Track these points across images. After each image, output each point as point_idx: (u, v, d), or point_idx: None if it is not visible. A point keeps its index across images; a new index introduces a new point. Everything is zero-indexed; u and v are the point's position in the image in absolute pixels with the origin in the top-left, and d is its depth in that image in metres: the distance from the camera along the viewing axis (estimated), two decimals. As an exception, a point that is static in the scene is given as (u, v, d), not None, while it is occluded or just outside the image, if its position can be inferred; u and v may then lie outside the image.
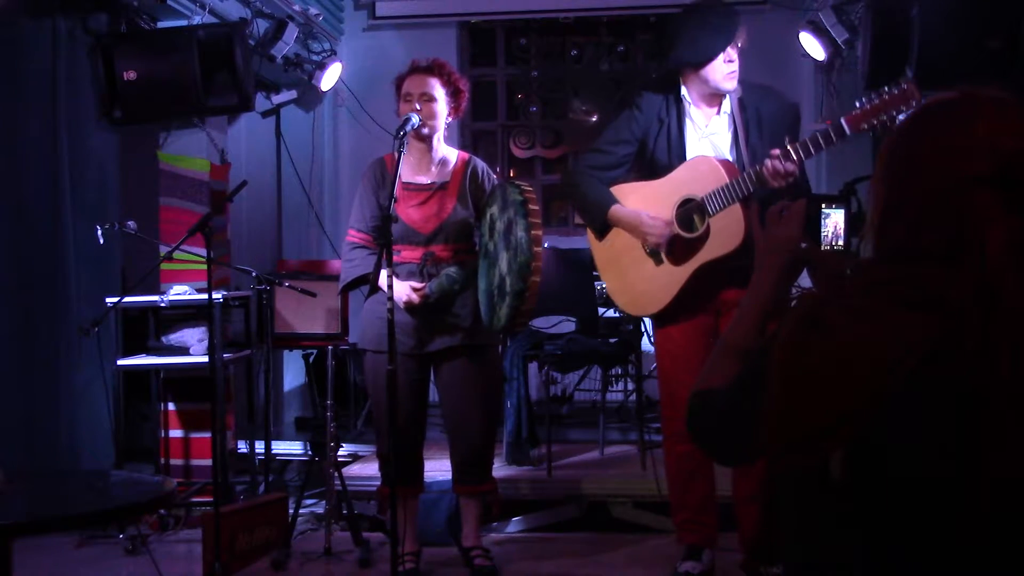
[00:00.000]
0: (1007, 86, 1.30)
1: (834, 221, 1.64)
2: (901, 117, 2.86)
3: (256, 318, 4.88)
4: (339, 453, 4.25)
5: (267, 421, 4.79)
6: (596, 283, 4.96)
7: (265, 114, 6.29)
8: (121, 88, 4.67)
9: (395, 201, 3.29)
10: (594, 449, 5.11)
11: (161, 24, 5.01)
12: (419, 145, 3.67)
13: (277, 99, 6.28)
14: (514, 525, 4.48)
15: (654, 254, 3.45)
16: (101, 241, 4.25)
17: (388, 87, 3.73)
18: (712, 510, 3.57)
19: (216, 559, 3.64)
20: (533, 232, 3.28)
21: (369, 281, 3.36)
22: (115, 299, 4.19)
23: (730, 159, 3.42)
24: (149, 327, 4.69)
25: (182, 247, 3.92)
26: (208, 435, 4.75)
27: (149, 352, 4.65)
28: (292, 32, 5.46)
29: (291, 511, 4.16)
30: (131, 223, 4.24)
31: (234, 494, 4.62)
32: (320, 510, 4.46)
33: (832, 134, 3.07)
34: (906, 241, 1.27)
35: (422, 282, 3.61)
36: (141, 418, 4.93)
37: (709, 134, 3.46)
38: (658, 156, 3.46)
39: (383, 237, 3.22)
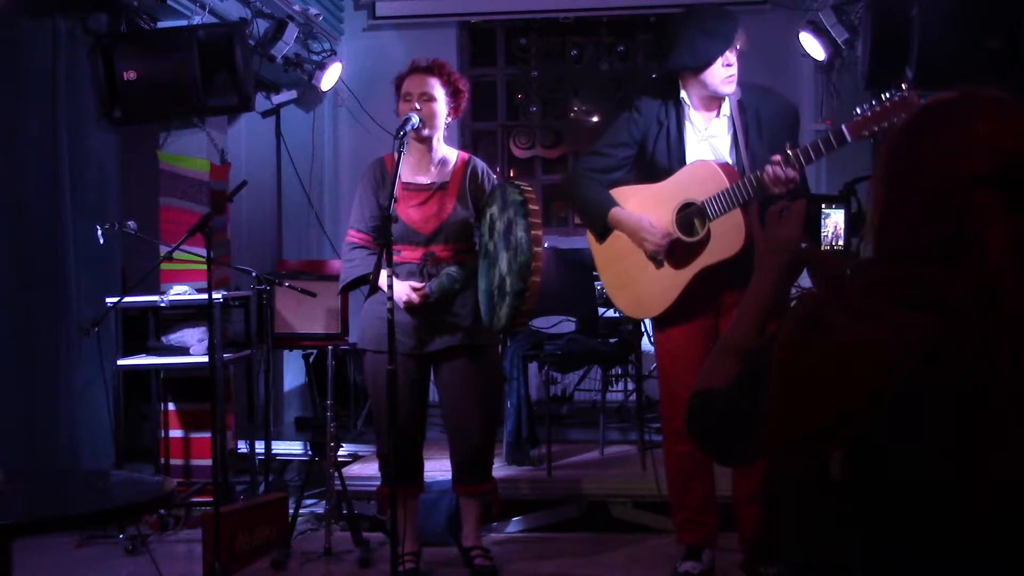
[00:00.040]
0: (1007, 86, 1.30)
1: (834, 221, 1.64)
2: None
3: (256, 318, 4.88)
4: (339, 453, 4.25)
5: (267, 421, 4.79)
6: (596, 283, 4.96)
7: (265, 114, 6.29)
8: (121, 88, 4.67)
9: (395, 201, 3.29)
10: (594, 449, 5.11)
11: (161, 24, 5.01)
12: (419, 145, 3.67)
13: (277, 99, 6.28)
14: (514, 525, 4.48)
15: (654, 258, 3.46)
16: (101, 241, 4.25)
17: (388, 87, 3.73)
18: (712, 510, 3.57)
19: (216, 559, 3.64)
20: (533, 232, 3.28)
21: (369, 281, 3.36)
22: (115, 299, 4.19)
23: (730, 162, 3.42)
24: (149, 327, 4.69)
25: (182, 247, 3.92)
26: (208, 435, 4.75)
27: (149, 352, 4.65)
28: (292, 32, 5.46)
29: (291, 511, 4.16)
30: (131, 223, 4.24)
31: (234, 494, 4.62)
32: (320, 510, 4.46)
33: (833, 140, 3.07)
34: (906, 241, 1.27)
35: (422, 282, 3.61)
36: (141, 418, 4.93)
37: (708, 137, 3.45)
38: (658, 159, 3.46)
39: (383, 237, 3.22)
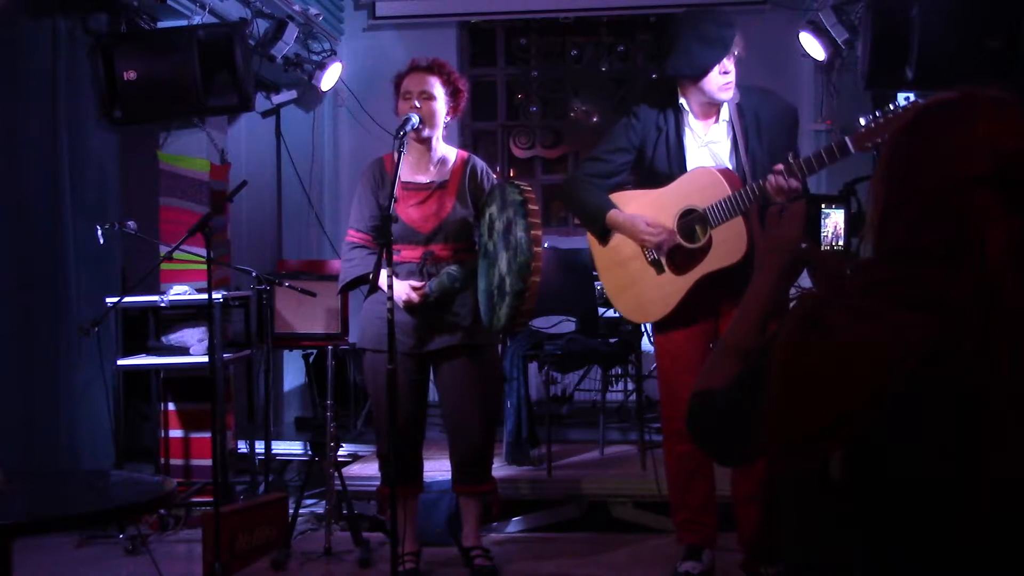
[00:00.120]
0: (1007, 86, 1.30)
1: (834, 221, 1.64)
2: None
3: (256, 318, 4.88)
4: (339, 453, 4.25)
5: (267, 421, 4.79)
6: (596, 283, 4.96)
7: (265, 114, 6.29)
8: (121, 88, 4.67)
9: (395, 201, 3.29)
10: (594, 449, 5.11)
11: (161, 24, 5.01)
12: (418, 144, 3.67)
13: (277, 99, 6.28)
14: (514, 525, 4.48)
15: (656, 263, 3.46)
16: (101, 241, 4.25)
17: (388, 87, 3.73)
18: (712, 510, 3.57)
19: (216, 559, 3.64)
20: (533, 232, 3.28)
21: (368, 281, 3.36)
22: (115, 299, 4.19)
23: (730, 167, 3.42)
24: (149, 327, 4.69)
25: (182, 247, 3.92)
26: (208, 435, 4.75)
27: (149, 352, 4.65)
28: (292, 32, 5.46)
29: (291, 511, 4.16)
30: (131, 223, 4.24)
31: (234, 494, 4.62)
32: (320, 510, 4.46)
33: (836, 151, 3.08)
34: (906, 241, 1.27)
35: (421, 281, 3.61)
36: (141, 418, 4.93)
37: (708, 142, 3.46)
38: (657, 164, 3.46)
39: (383, 237, 3.21)
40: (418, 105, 3.57)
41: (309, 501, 4.67)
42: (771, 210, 1.60)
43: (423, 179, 3.69)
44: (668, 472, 3.64)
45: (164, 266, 4.64)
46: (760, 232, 1.62)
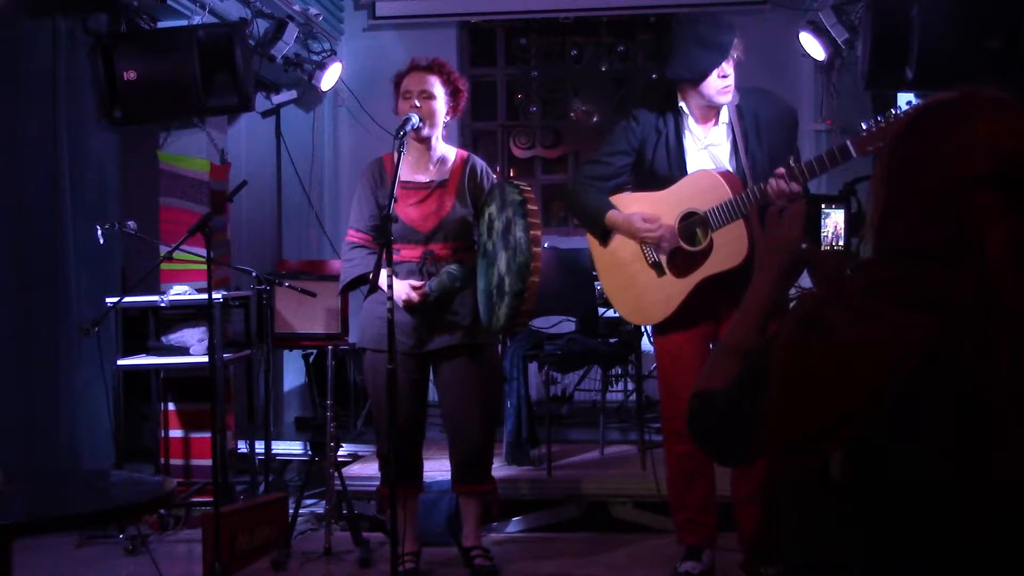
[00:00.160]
0: (1007, 86, 1.30)
1: (834, 221, 1.64)
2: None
3: (256, 318, 4.88)
4: (339, 453, 4.25)
5: (267, 421, 4.79)
6: (596, 283, 4.96)
7: (265, 114, 6.29)
8: (121, 88, 4.67)
9: (395, 201, 3.29)
10: (594, 449, 5.11)
11: (161, 24, 5.01)
12: (418, 144, 3.67)
13: (277, 99, 6.28)
14: (514, 525, 4.48)
15: (656, 265, 3.46)
16: (101, 241, 4.25)
17: (388, 87, 3.73)
18: (712, 510, 3.57)
19: (216, 559, 3.64)
20: (532, 232, 3.27)
21: (369, 281, 3.36)
22: (115, 299, 4.19)
23: (730, 169, 3.42)
24: (149, 327, 4.68)
25: (182, 247, 3.92)
26: (208, 435, 4.75)
27: (149, 352, 4.65)
28: (292, 32, 5.46)
29: (291, 511, 4.16)
30: (131, 223, 4.24)
31: (234, 494, 4.62)
32: (320, 510, 4.46)
33: (838, 155, 3.08)
34: (906, 241, 1.27)
35: (421, 281, 3.61)
36: (141, 418, 4.93)
37: (708, 145, 3.46)
38: (657, 167, 3.47)
39: (383, 237, 3.21)
40: (418, 105, 3.57)
41: (309, 501, 4.67)
42: (771, 210, 1.60)
43: (422, 178, 3.69)
44: (668, 472, 3.64)
45: (164, 266, 4.64)
46: (760, 232, 1.62)
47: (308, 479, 4.52)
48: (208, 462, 4.66)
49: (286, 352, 6.07)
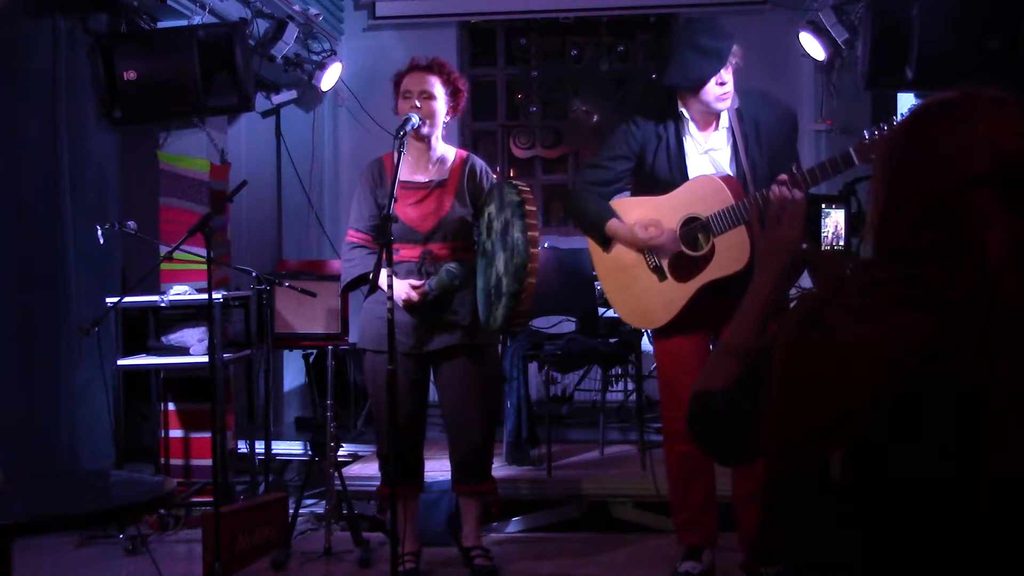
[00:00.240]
0: (1007, 86, 1.30)
1: (834, 221, 1.64)
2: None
3: (256, 318, 4.88)
4: (339, 453, 4.25)
5: (267, 421, 4.79)
6: (596, 283, 4.96)
7: (265, 114, 6.29)
8: (121, 88, 4.67)
9: (394, 201, 3.29)
10: (594, 449, 5.11)
11: (161, 24, 5.01)
12: (417, 143, 3.67)
13: (277, 99, 6.28)
14: (514, 525, 4.48)
15: (658, 270, 3.46)
16: (101, 241, 4.25)
17: (388, 87, 3.73)
18: (712, 510, 3.57)
19: (216, 559, 3.64)
20: (530, 233, 3.27)
21: (369, 281, 3.36)
22: (115, 299, 4.19)
23: (731, 173, 3.42)
24: (149, 327, 4.68)
25: (182, 247, 3.92)
26: (208, 435, 4.75)
27: (149, 352, 4.65)
28: (292, 32, 5.46)
29: (291, 511, 4.16)
30: (131, 223, 4.24)
31: (234, 494, 4.62)
32: (320, 510, 4.46)
33: (841, 163, 3.09)
34: (906, 241, 1.27)
35: (420, 280, 3.61)
36: (141, 418, 4.93)
37: (709, 149, 3.46)
38: (658, 171, 3.46)
39: (383, 237, 3.22)
40: (418, 104, 3.57)
41: (309, 501, 4.67)
42: (771, 211, 1.60)
43: (422, 178, 3.69)
44: (668, 472, 3.64)
45: (164, 266, 4.64)
46: (760, 233, 1.62)
47: (308, 479, 4.52)
48: (208, 462, 4.66)
49: (286, 352, 6.07)
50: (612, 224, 3.49)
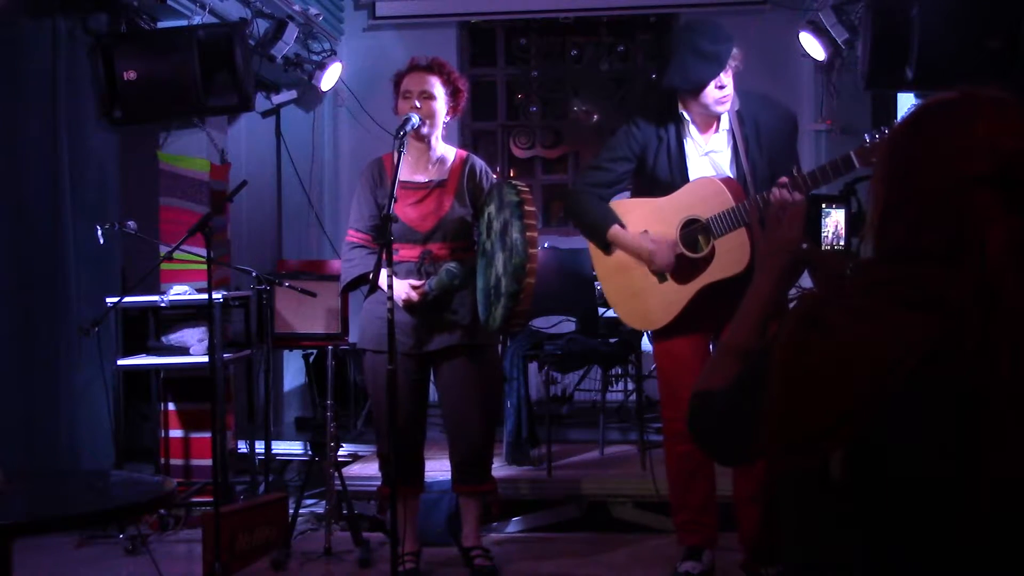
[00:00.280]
0: (1007, 86, 1.30)
1: (835, 220, 1.64)
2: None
3: (256, 318, 4.88)
4: (339, 453, 4.25)
5: (267, 421, 4.79)
6: (596, 283, 4.96)
7: (265, 114, 6.29)
8: (121, 88, 4.67)
9: (394, 201, 3.29)
10: (594, 449, 5.11)
11: (161, 24, 5.01)
12: (417, 143, 3.67)
13: (277, 99, 6.28)
14: (514, 525, 4.48)
15: (658, 272, 3.46)
16: (101, 241, 4.25)
17: (388, 87, 3.73)
18: (712, 510, 3.57)
19: (216, 559, 3.64)
20: (528, 234, 3.27)
21: (369, 281, 3.36)
22: (115, 299, 4.19)
23: (731, 176, 3.42)
24: (149, 327, 4.68)
25: (182, 247, 3.92)
26: (208, 435, 4.75)
27: (149, 352, 4.65)
28: (292, 32, 5.46)
29: (291, 511, 4.16)
30: (131, 223, 4.24)
31: (234, 494, 4.62)
32: (320, 510, 4.46)
33: (841, 166, 3.09)
34: (906, 241, 1.27)
35: (420, 280, 3.61)
36: (141, 418, 4.93)
37: (709, 151, 3.45)
38: (659, 173, 3.46)
39: (383, 237, 3.22)
40: (418, 105, 3.57)
41: (309, 501, 4.67)
42: (771, 210, 1.60)
43: (421, 178, 3.69)
44: (668, 472, 3.64)
45: (164, 266, 4.64)
46: (761, 233, 1.62)
47: (308, 479, 4.52)
48: (208, 462, 4.66)
49: (286, 352, 6.07)
50: (615, 233, 3.49)
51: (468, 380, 3.68)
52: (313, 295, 4.18)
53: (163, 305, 4.51)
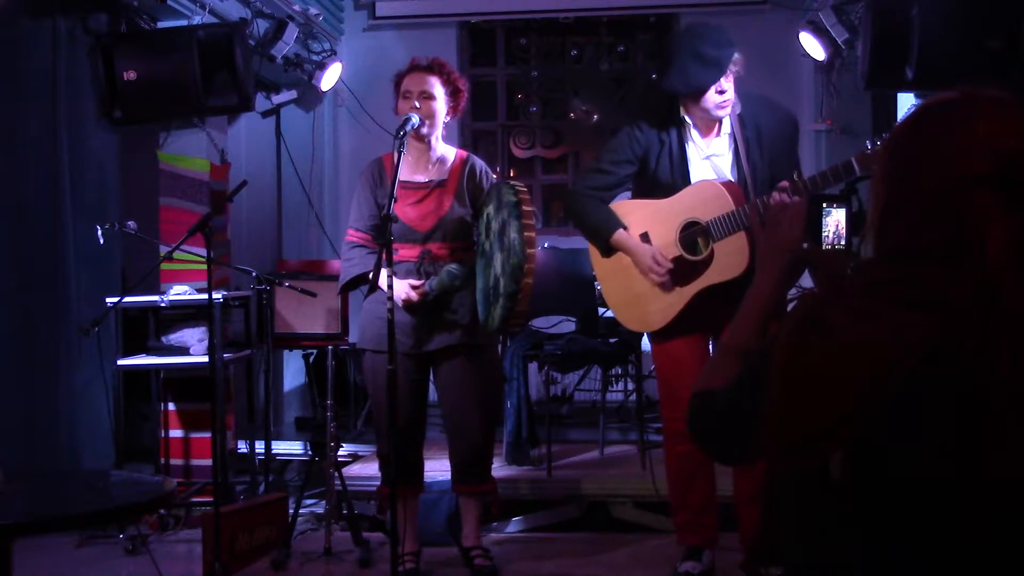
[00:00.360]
0: (1007, 86, 1.30)
1: (836, 220, 1.64)
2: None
3: (256, 318, 4.87)
4: (339, 453, 4.25)
5: (267, 421, 4.79)
6: (596, 283, 4.96)
7: (265, 114, 6.29)
8: (121, 88, 4.67)
9: (394, 201, 3.29)
10: (594, 449, 5.11)
11: (161, 24, 5.01)
12: (417, 143, 3.67)
13: (277, 99, 6.28)
14: (514, 525, 4.48)
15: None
16: (101, 241, 4.25)
17: (388, 87, 3.73)
18: (712, 511, 3.57)
19: (216, 559, 3.64)
20: (526, 234, 3.27)
21: (368, 280, 3.36)
22: (115, 299, 4.19)
23: (732, 179, 3.42)
24: (149, 327, 4.68)
25: (182, 247, 3.92)
26: (208, 435, 4.75)
27: (149, 352, 4.65)
28: (292, 32, 5.46)
29: (291, 511, 4.16)
30: (131, 223, 4.24)
31: (234, 494, 4.62)
32: (320, 510, 4.46)
33: (842, 171, 3.09)
34: (906, 241, 1.27)
35: (419, 280, 3.61)
36: (141, 418, 4.93)
37: (711, 154, 3.46)
38: (660, 176, 3.46)
39: (383, 237, 3.22)
40: (418, 105, 3.57)
41: (309, 501, 4.67)
42: (772, 210, 1.60)
43: (421, 178, 3.69)
44: (668, 472, 3.64)
45: (164, 266, 4.64)
46: (761, 232, 1.62)
47: (308, 479, 4.52)
48: (208, 462, 4.66)
49: (286, 352, 6.07)
50: (618, 237, 3.48)
51: (468, 380, 3.68)
52: (313, 295, 4.18)
53: (163, 305, 4.51)
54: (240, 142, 5.89)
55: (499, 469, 4.35)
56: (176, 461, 4.88)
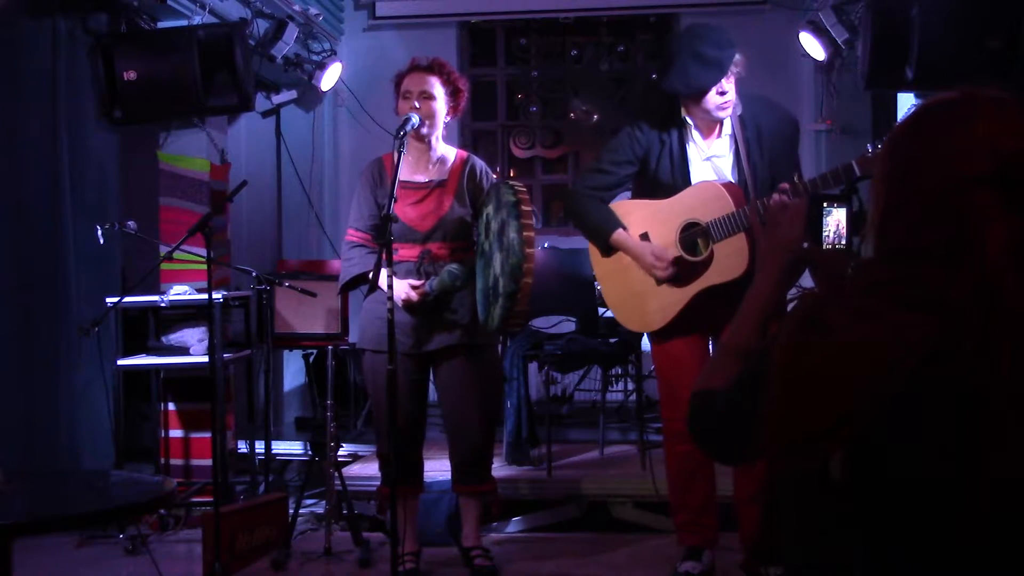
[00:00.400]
0: (1007, 86, 1.30)
1: (836, 220, 1.64)
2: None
3: (256, 318, 4.87)
4: (339, 453, 4.25)
5: (267, 421, 4.79)
6: (596, 283, 4.96)
7: (265, 114, 6.29)
8: (121, 88, 4.67)
9: (394, 201, 3.29)
10: (594, 449, 5.11)
11: (161, 24, 5.01)
12: (417, 144, 3.67)
13: (277, 99, 6.28)
14: (514, 525, 4.48)
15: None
16: (101, 241, 4.25)
17: (388, 87, 3.73)
18: (713, 511, 3.57)
19: (216, 559, 3.64)
20: (525, 234, 3.27)
21: (368, 280, 3.36)
22: (115, 299, 4.19)
23: (732, 180, 3.42)
24: (149, 327, 4.68)
25: (182, 247, 3.92)
26: (208, 435, 4.75)
27: (149, 352, 4.65)
28: (292, 32, 5.46)
29: (291, 511, 4.16)
30: (131, 223, 4.24)
31: (234, 494, 4.62)
32: (320, 510, 4.46)
33: (842, 174, 3.09)
34: (906, 241, 1.27)
35: (419, 280, 3.61)
36: (141, 418, 4.93)
37: (711, 156, 3.45)
38: (661, 177, 3.46)
39: (383, 237, 3.22)
40: (418, 105, 3.57)
41: (309, 501, 4.67)
42: (772, 210, 1.60)
43: (421, 178, 3.69)
44: (668, 472, 3.64)
45: (164, 266, 4.64)
46: (761, 232, 1.62)
47: (308, 479, 4.52)
48: (208, 462, 4.66)
49: (286, 352, 6.07)
50: (618, 237, 3.48)
51: (468, 380, 3.68)
52: (313, 295, 4.18)
53: (163, 305, 4.51)
54: (240, 142, 5.89)
55: (499, 469, 4.35)
56: (176, 461, 4.88)
